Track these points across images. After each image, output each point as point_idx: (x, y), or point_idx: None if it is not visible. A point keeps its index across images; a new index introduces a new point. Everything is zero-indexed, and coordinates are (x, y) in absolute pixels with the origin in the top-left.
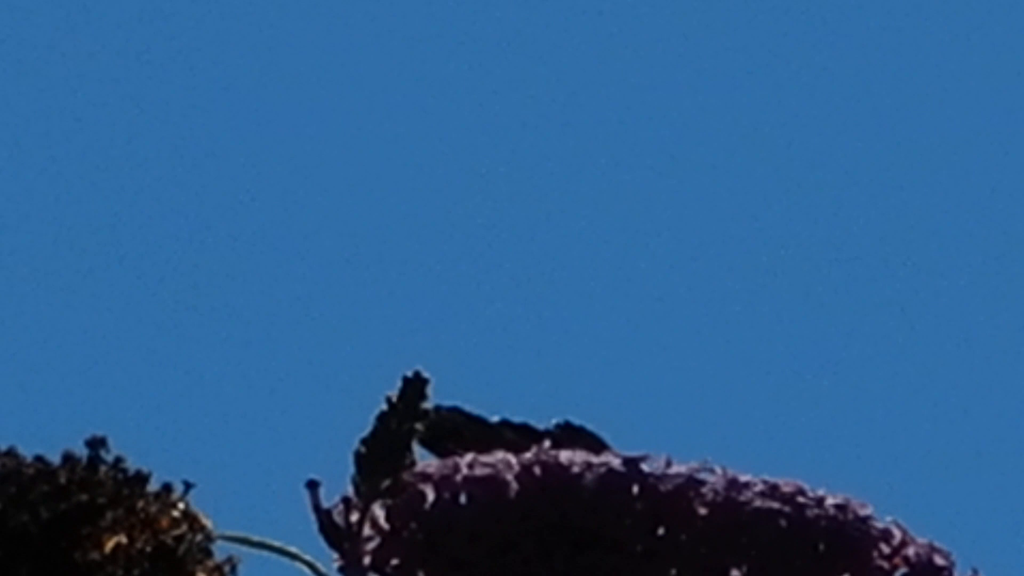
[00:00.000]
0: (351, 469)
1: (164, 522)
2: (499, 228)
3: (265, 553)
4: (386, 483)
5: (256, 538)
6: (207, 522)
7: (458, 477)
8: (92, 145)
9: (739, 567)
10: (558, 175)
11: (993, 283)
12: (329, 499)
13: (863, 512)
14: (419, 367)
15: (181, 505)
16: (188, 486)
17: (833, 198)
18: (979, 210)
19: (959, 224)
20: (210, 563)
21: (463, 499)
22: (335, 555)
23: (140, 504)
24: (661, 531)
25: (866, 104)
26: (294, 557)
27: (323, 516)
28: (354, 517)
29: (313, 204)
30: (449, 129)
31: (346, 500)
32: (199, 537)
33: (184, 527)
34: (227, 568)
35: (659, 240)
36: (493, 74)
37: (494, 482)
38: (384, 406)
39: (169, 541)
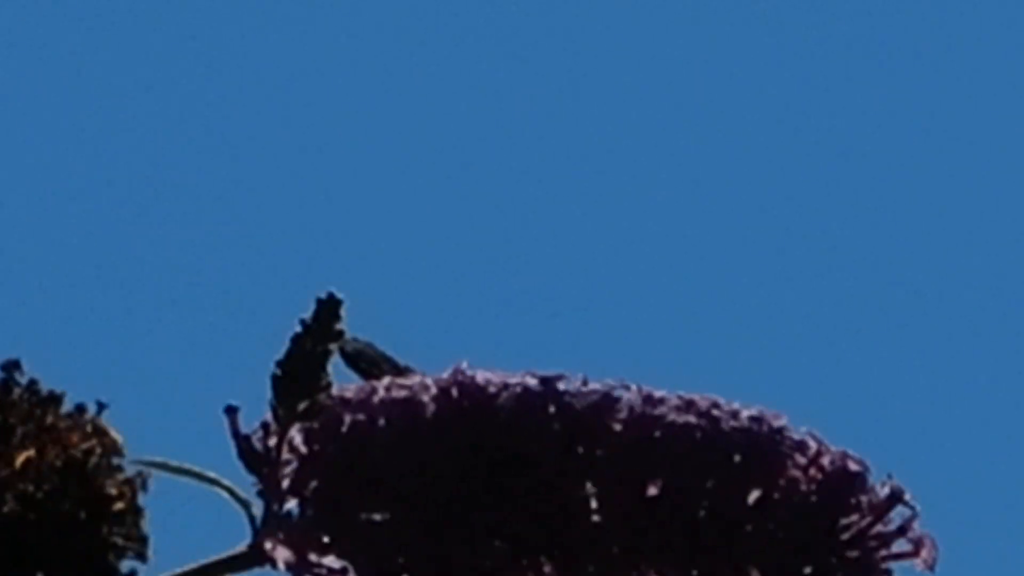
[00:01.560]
0: (269, 394)
1: (74, 438)
2: (419, 156)
3: (185, 479)
4: (303, 405)
5: (175, 463)
6: (117, 436)
7: (375, 400)
8: None
9: (655, 481)
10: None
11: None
12: (249, 425)
13: (778, 424)
14: (333, 289)
15: (91, 421)
16: (101, 406)
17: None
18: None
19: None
20: (120, 477)
21: (381, 422)
22: (254, 480)
23: (50, 420)
24: (578, 449)
25: (866, 104)
26: (213, 482)
27: (241, 441)
28: (272, 442)
29: (237, 120)
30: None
31: (264, 425)
32: (109, 452)
33: (93, 441)
34: (138, 482)
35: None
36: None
37: (411, 404)
38: (298, 328)
39: (78, 455)
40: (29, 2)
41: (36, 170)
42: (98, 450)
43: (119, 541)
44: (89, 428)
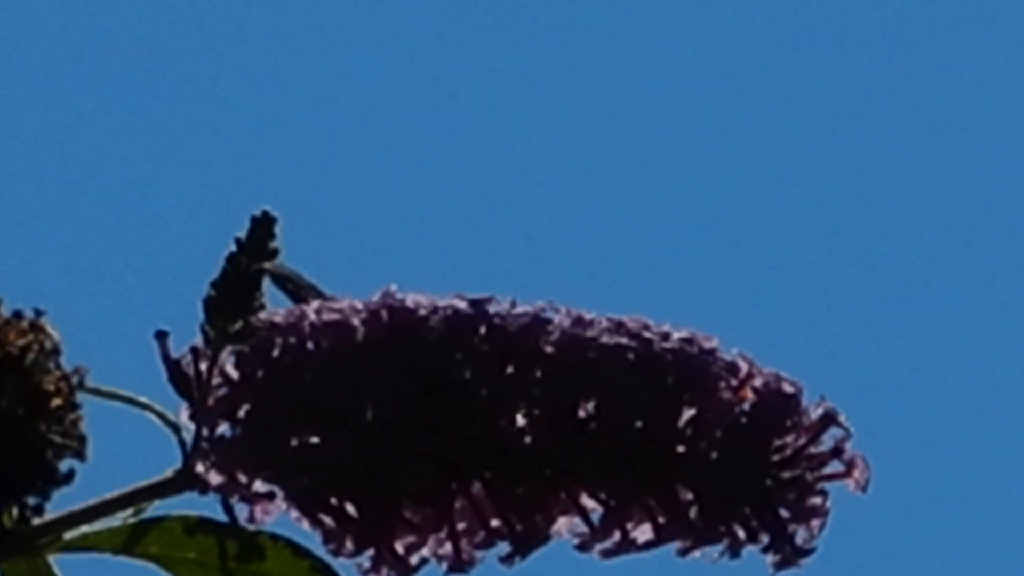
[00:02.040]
0: (200, 317)
1: (11, 335)
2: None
3: (116, 404)
4: (235, 328)
5: (106, 388)
6: (55, 334)
7: (305, 324)
8: None
9: (587, 403)
10: None
11: None
12: (180, 349)
13: (709, 345)
14: (267, 207)
15: (28, 319)
16: (39, 312)
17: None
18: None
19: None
20: (57, 374)
21: (310, 345)
22: (185, 404)
23: None
24: (509, 370)
25: (865, 104)
26: (144, 407)
27: (172, 366)
28: (203, 366)
29: (178, 38)
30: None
31: (194, 349)
32: (46, 350)
33: (31, 338)
34: (75, 378)
35: None
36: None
37: (341, 327)
38: (232, 247)
39: (15, 351)
40: (29, 2)
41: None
42: (35, 347)
43: (57, 438)
44: (27, 326)
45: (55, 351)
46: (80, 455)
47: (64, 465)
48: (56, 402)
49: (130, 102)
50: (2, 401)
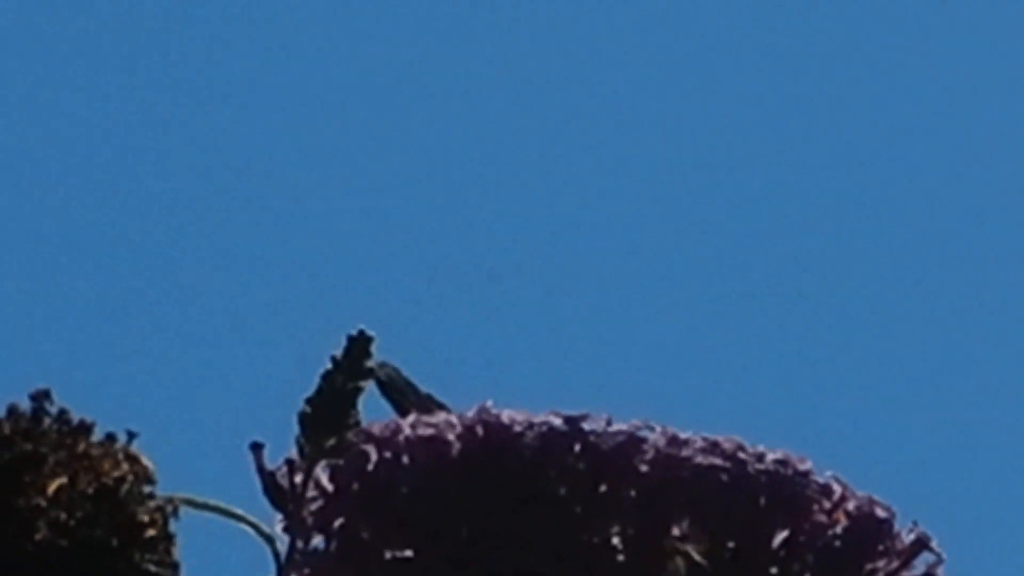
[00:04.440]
0: (296, 430)
1: (106, 464)
2: (455, 200)
3: (210, 515)
4: (330, 443)
5: (201, 499)
6: (148, 464)
7: (400, 437)
8: None
9: (680, 523)
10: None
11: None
12: (274, 461)
13: (803, 467)
14: (363, 326)
15: (122, 448)
16: (131, 435)
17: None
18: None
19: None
20: (151, 504)
21: (405, 459)
22: (279, 516)
23: (82, 447)
24: (603, 488)
25: (864, 105)
26: (239, 519)
27: (267, 478)
28: (298, 478)
29: (260, 164)
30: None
31: (289, 461)
32: (140, 479)
33: (125, 468)
34: (168, 509)
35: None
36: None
37: (436, 442)
38: (329, 365)
39: (110, 482)
40: (29, 2)
41: (69, 201)
42: (130, 477)
43: (151, 568)
44: (121, 455)
45: (149, 480)
46: None
47: None
48: (150, 532)
49: (233, 223)
50: (97, 531)
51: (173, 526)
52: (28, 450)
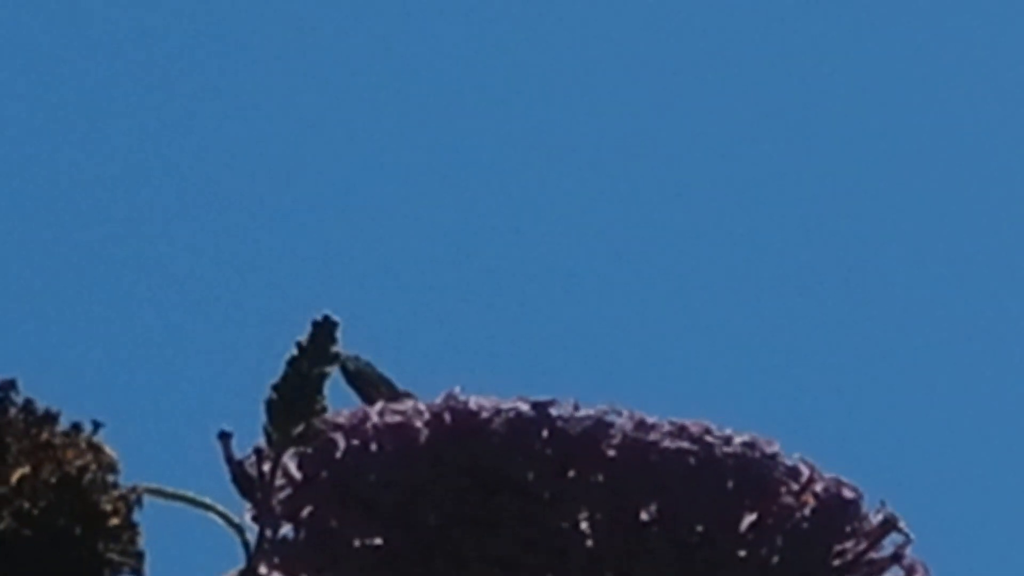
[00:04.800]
0: (263, 418)
1: (69, 454)
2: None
3: (178, 504)
4: (298, 430)
5: (169, 489)
6: (112, 453)
7: (368, 425)
8: None
9: (648, 507)
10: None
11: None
12: (242, 450)
13: (770, 450)
14: (328, 312)
15: (86, 438)
16: (97, 425)
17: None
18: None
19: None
20: (115, 493)
21: (374, 447)
22: (248, 505)
23: (45, 437)
24: (571, 474)
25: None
26: (207, 508)
27: (235, 467)
28: (266, 467)
29: (226, 151)
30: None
31: (258, 450)
32: (104, 468)
33: (88, 458)
34: (132, 498)
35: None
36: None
37: (404, 429)
38: (294, 351)
39: (73, 471)
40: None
41: (33, 184)
42: (93, 466)
43: (115, 557)
44: (84, 445)
45: (112, 469)
46: (137, 572)
47: None
48: (114, 521)
49: (193, 207)
50: (60, 520)
51: (138, 515)
52: None
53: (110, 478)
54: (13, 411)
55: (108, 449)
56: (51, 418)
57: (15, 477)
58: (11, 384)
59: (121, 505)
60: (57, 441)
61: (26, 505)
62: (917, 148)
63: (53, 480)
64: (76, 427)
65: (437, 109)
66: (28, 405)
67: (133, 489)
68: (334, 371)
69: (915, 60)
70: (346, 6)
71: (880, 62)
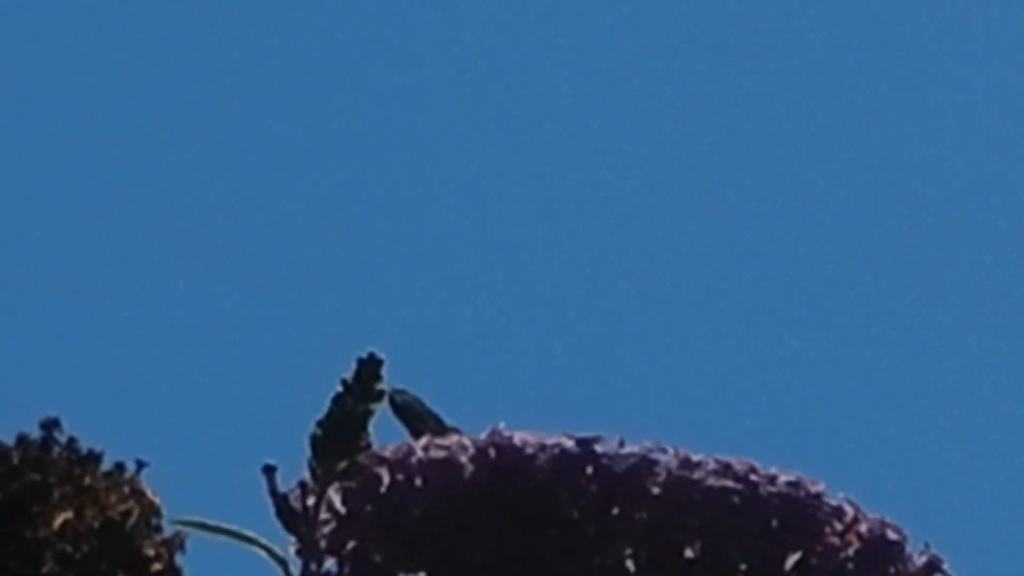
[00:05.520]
0: (307, 453)
1: (112, 498)
2: (464, 220)
3: (223, 538)
4: (342, 466)
5: (213, 523)
6: (155, 498)
7: (413, 460)
8: None
9: (693, 545)
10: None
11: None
12: (286, 484)
13: (815, 489)
14: (374, 349)
15: (129, 481)
16: (141, 465)
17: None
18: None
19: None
20: (158, 538)
21: (418, 482)
22: (292, 539)
23: (88, 481)
24: (615, 511)
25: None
26: (251, 541)
27: (279, 500)
28: (310, 501)
29: (272, 184)
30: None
31: (302, 484)
32: (146, 512)
33: (131, 503)
34: (175, 543)
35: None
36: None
37: (449, 464)
38: (339, 388)
39: (116, 516)
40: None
41: (79, 223)
42: (136, 511)
43: None
44: (127, 489)
45: (155, 513)
46: None
47: None
48: (156, 567)
49: (238, 244)
50: (102, 565)
51: (181, 554)
52: (36, 480)
53: (153, 522)
54: (56, 450)
55: (151, 493)
56: (94, 458)
57: (58, 521)
58: (55, 423)
59: (164, 550)
60: (100, 485)
61: (69, 549)
62: (915, 149)
63: (96, 525)
64: (120, 467)
65: (479, 135)
66: (71, 444)
67: (176, 534)
68: (379, 408)
69: (915, 59)
70: None
71: (880, 61)
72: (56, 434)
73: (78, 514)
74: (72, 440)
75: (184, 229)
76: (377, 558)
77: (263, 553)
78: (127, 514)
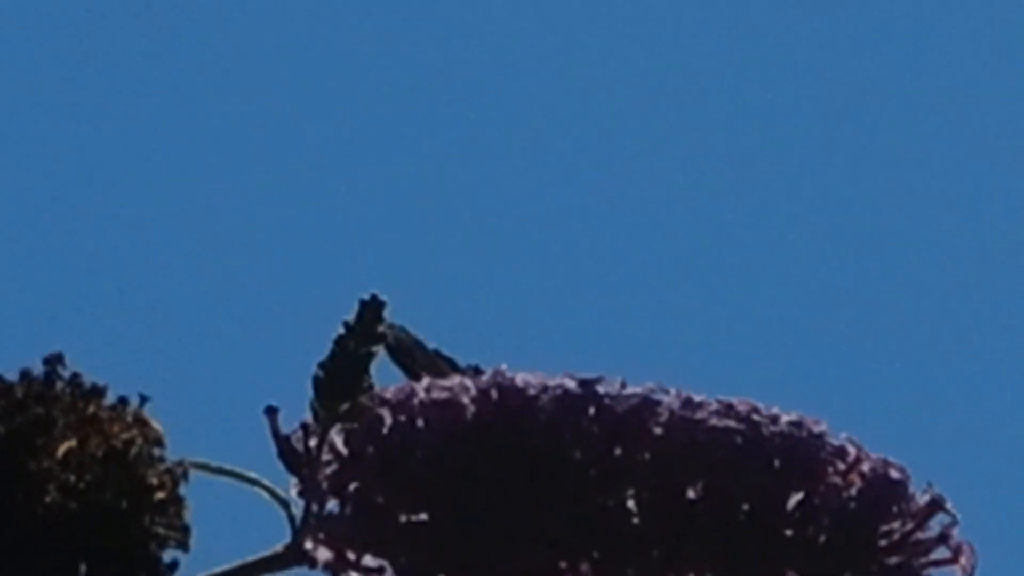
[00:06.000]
0: (310, 394)
1: (115, 428)
2: (466, 163)
3: (225, 479)
4: (344, 407)
5: (215, 464)
6: (158, 427)
7: (415, 401)
8: None
9: (695, 486)
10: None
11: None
12: (288, 425)
13: (817, 429)
14: (376, 291)
15: (132, 412)
16: (144, 399)
17: None
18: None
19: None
20: (161, 467)
21: (420, 423)
22: (294, 480)
23: (92, 411)
24: (617, 452)
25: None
26: (253, 483)
27: (282, 442)
28: (312, 442)
29: (277, 129)
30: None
31: (304, 426)
32: (150, 442)
33: (135, 431)
34: (178, 472)
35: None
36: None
37: (451, 406)
38: (341, 330)
39: (119, 445)
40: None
41: (77, 167)
42: (139, 440)
43: (161, 531)
44: (130, 419)
45: (159, 443)
46: (183, 546)
47: (167, 556)
48: (160, 495)
49: (244, 187)
50: (107, 494)
51: (184, 489)
52: (40, 413)
53: (156, 452)
54: (60, 385)
55: (154, 423)
56: (97, 392)
57: (61, 451)
58: (58, 358)
59: (167, 479)
60: (104, 415)
61: (72, 479)
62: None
63: (100, 454)
64: (123, 401)
65: (477, 88)
66: (75, 379)
67: (180, 463)
68: (380, 350)
69: (914, 60)
70: None
71: (882, 61)
72: (60, 369)
73: (82, 444)
74: (76, 375)
75: (192, 169)
76: (379, 499)
77: (265, 494)
78: (131, 443)
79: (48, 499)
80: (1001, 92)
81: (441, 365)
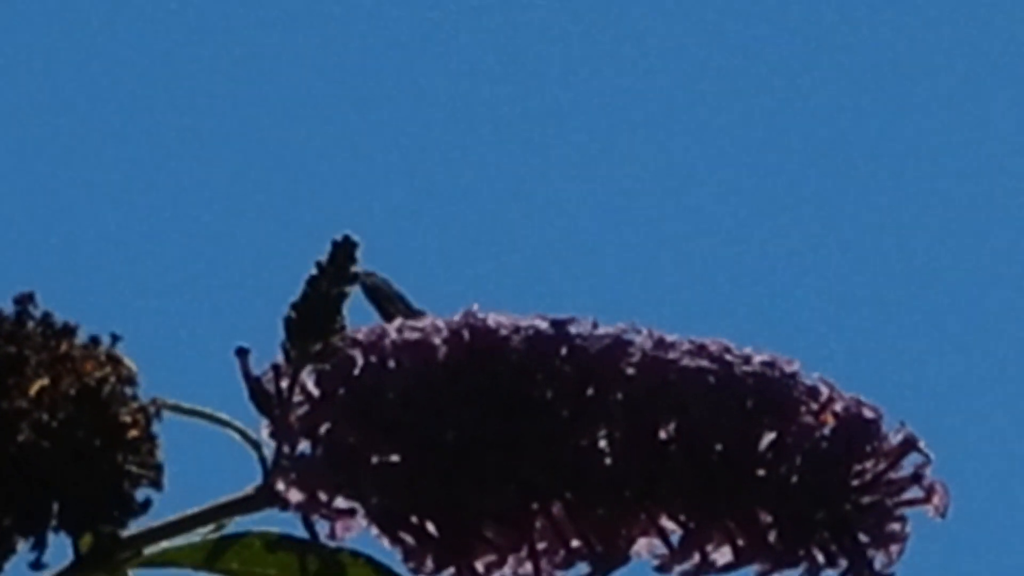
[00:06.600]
0: (281, 335)
1: (88, 365)
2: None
3: (196, 420)
4: (316, 348)
5: (187, 405)
6: (131, 365)
7: (386, 342)
8: None
9: (667, 426)
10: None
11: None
12: (260, 366)
13: (790, 369)
14: (349, 231)
15: (104, 350)
16: (115, 338)
17: None
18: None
19: None
20: (134, 405)
21: (392, 364)
22: (265, 422)
23: (64, 349)
24: (590, 392)
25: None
26: (225, 424)
27: (253, 383)
28: (283, 383)
29: (250, 73)
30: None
31: (275, 367)
32: (123, 380)
33: (107, 370)
34: (151, 410)
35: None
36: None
37: (422, 346)
38: (314, 270)
39: (92, 383)
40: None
41: (54, 101)
42: (112, 378)
43: (133, 468)
44: (103, 357)
45: (131, 381)
46: (156, 484)
47: (140, 494)
48: (133, 433)
49: (215, 130)
50: (79, 432)
51: (156, 428)
52: (11, 352)
53: (129, 390)
54: (31, 324)
55: (127, 361)
56: (69, 331)
57: (34, 389)
58: (29, 297)
59: (140, 417)
60: (76, 353)
61: (45, 417)
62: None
63: (72, 392)
64: (95, 340)
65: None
66: (46, 318)
67: (152, 401)
68: (353, 291)
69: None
70: None
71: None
72: (31, 308)
73: (54, 382)
74: (47, 315)
75: (168, 107)
76: (351, 440)
77: (236, 436)
78: (103, 381)
79: (21, 438)
80: (1001, 92)
81: (416, 309)
